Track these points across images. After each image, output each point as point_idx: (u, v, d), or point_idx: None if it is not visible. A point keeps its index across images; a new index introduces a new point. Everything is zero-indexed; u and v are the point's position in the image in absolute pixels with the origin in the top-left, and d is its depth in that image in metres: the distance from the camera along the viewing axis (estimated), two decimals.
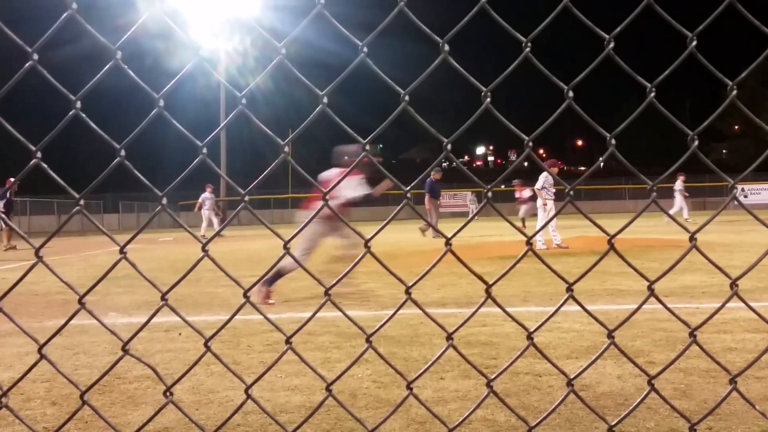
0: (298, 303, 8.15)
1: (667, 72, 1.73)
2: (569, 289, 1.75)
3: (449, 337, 1.75)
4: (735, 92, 1.74)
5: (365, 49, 1.63)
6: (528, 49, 1.66)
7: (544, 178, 15.24)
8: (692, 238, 1.74)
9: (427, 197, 22.45)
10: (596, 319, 1.82)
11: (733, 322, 5.96)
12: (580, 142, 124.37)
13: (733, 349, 5.08)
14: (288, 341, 1.77)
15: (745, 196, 43.46)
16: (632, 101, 65.24)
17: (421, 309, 1.76)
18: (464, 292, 8.67)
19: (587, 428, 3.57)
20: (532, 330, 1.80)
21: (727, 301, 1.81)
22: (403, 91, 1.67)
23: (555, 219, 14.84)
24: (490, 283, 1.75)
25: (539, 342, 5.52)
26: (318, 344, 5.72)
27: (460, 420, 2.06)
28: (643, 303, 1.83)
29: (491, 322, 6.30)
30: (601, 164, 1.88)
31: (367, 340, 1.76)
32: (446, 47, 1.64)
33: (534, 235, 1.81)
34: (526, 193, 24.68)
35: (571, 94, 1.70)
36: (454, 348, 1.78)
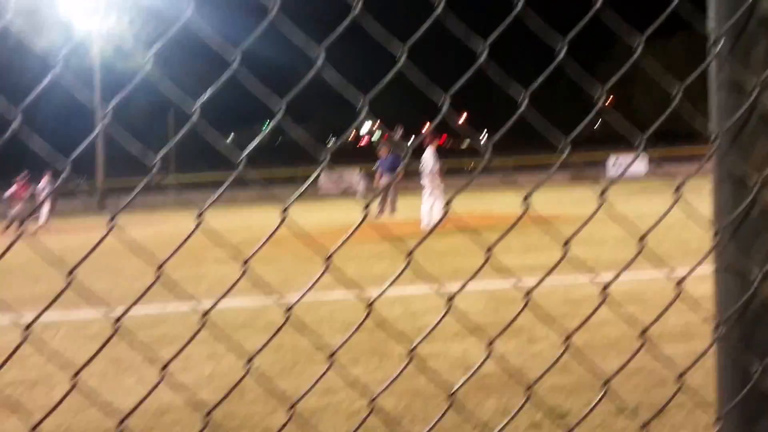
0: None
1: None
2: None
3: (331, 355, 1.70)
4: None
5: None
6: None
7: (434, 158, 14.48)
8: (566, 242, 1.77)
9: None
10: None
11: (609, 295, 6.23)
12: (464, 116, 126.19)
13: (607, 322, 5.32)
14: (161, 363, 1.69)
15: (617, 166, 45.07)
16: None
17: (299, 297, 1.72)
18: (353, 274, 8.69)
19: (477, 406, 3.68)
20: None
21: (613, 279, 1.87)
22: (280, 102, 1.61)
23: (436, 199, 14.52)
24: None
25: (427, 323, 5.61)
26: (202, 338, 5.57)
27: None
28: (537, 286, 1.87)
29: (379, 306, 6.34)
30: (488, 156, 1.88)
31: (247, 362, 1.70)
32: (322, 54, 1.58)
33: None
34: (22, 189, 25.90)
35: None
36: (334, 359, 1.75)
